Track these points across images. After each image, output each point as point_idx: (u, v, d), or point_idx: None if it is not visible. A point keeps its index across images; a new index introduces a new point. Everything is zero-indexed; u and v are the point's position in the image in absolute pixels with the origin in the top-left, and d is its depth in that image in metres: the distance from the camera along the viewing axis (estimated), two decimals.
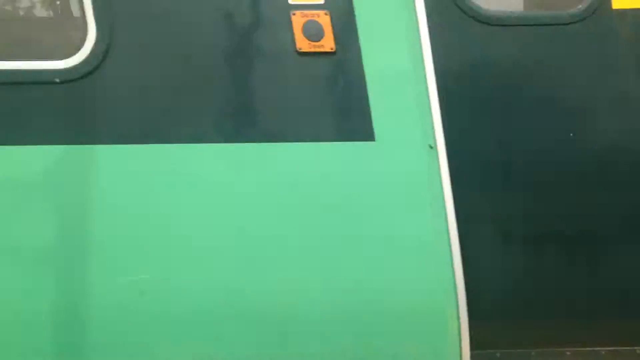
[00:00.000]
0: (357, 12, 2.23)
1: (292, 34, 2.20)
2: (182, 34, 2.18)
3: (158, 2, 2.17)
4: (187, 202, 2.12)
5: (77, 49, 2.13)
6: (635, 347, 2.41)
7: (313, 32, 2.20)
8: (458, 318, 2.25)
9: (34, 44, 2.53)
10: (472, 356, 2.29)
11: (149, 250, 2.11)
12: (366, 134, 2.21)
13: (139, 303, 2.11)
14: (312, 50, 2.20)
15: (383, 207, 2.20)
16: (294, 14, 2.21)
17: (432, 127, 2.26)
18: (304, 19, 2.21)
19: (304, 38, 2.20)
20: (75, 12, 2.20)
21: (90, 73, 2.12)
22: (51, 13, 2.40)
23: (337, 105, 2.22)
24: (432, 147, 2.26)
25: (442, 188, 2.25)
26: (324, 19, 2.21)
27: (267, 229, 2.16)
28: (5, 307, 2.09)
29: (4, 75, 2.11)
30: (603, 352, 2.38)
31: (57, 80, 2.10)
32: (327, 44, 2.21)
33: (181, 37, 2.18)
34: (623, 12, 2.31)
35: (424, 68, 2.27)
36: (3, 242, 2.09)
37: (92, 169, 2.11)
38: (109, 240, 2.10)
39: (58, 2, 2.35)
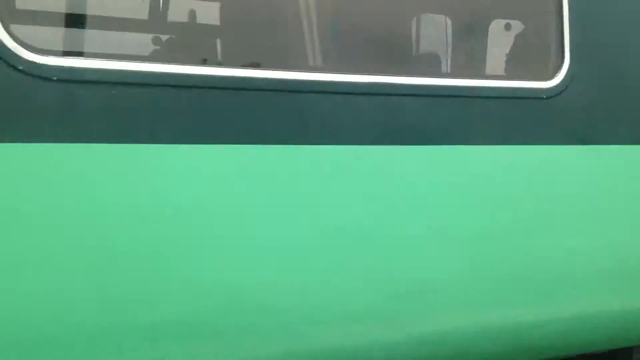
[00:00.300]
0: None
1: None
2: (619, 65, 3.00)
3: (613, 45, 2.97)
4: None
5: (554, 73, 2.89)
6: None
7: None
8: None
9: (519, 67, 3.23)
10: None
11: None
12: None
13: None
14: None
15: None
16: None
17: None
18: None
19: None
20: (545, 44, 2.96)
21: (562, 92, 2.89)
22: (529, 42, 3.13)
23: None
24: None
25: None
26: None
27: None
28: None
29: (498, 92, 2.84)
30: None
31: (544, 96, 2.86)
32: None
33: (617, 66, 3.00)
34: None
35: None
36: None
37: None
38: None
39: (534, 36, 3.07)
